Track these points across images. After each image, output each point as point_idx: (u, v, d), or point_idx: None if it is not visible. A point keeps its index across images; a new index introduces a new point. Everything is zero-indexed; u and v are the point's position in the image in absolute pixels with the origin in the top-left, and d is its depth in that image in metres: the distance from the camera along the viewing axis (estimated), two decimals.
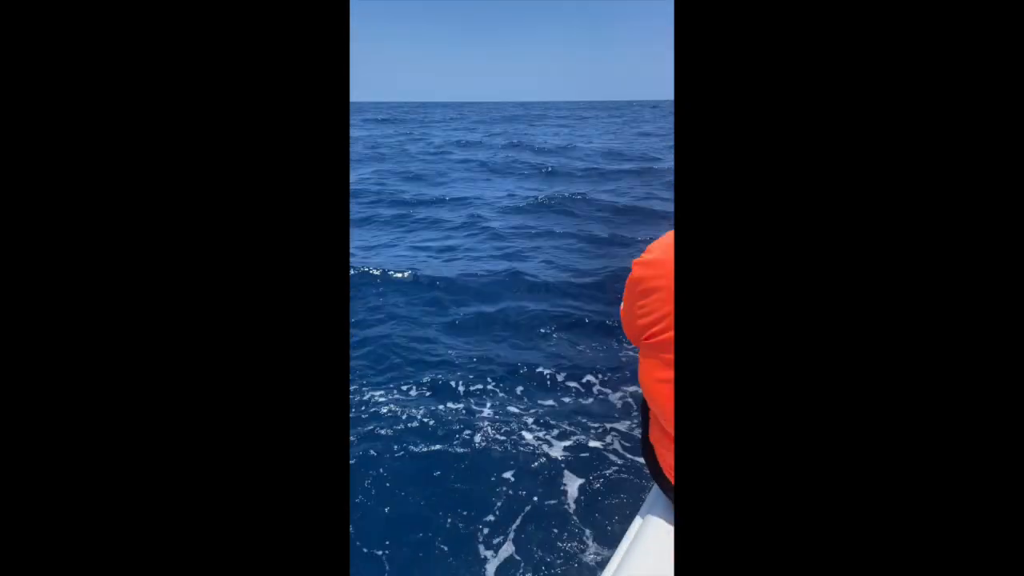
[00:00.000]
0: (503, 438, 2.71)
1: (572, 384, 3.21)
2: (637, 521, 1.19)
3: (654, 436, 1.14)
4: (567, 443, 2.66)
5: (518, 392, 3.14)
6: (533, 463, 2.49)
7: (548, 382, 3.22)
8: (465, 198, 8.85)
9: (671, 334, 0.90)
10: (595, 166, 12.13)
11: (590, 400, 3.06)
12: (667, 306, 0.90)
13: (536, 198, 8.35)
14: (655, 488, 1.27)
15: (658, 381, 0.98)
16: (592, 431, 2.75)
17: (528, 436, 2.70)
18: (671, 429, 1.01)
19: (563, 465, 2.47)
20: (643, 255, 0.97)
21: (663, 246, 0.94)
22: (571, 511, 2.22)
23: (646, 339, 0.96)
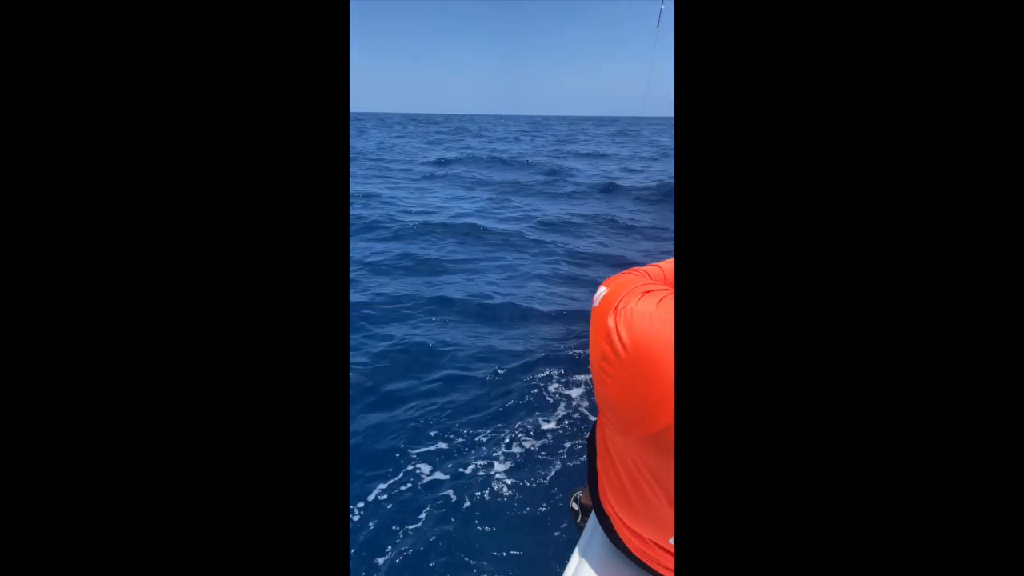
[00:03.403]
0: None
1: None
2: (575, 559, 1.11)
3: (602, 464, 1.00)
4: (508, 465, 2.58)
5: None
6: (470, 487, 2.42)
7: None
8: None
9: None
10: None
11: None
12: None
13: None
14: (592, 519, 1.18)
15: (619, 476, 0.90)
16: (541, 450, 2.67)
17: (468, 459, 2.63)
18: (633, 525, 0.94)
19: (507, 489, 2.41)
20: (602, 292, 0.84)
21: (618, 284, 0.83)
22: (507, 539, 2.14)
23: None
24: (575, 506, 1.40)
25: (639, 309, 0.74)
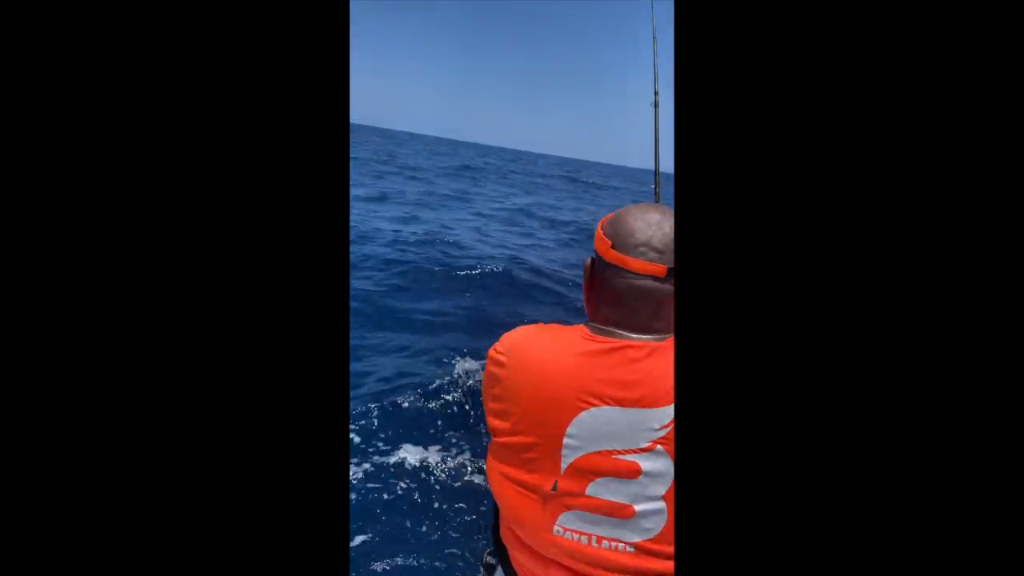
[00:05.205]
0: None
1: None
2: None
3: (504, 535, 0.93)
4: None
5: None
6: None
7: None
8: None
9: (520, 439, 0.80)
10: None
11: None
12: (517, 408, 0.80)
13: None
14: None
15: (506, 479, 0.85)
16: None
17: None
18: (520, 532, 0.88)
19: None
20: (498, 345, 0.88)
21: (517, 339, 0.86)
22: None
23: (496, 438, 0.84)
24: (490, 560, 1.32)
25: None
